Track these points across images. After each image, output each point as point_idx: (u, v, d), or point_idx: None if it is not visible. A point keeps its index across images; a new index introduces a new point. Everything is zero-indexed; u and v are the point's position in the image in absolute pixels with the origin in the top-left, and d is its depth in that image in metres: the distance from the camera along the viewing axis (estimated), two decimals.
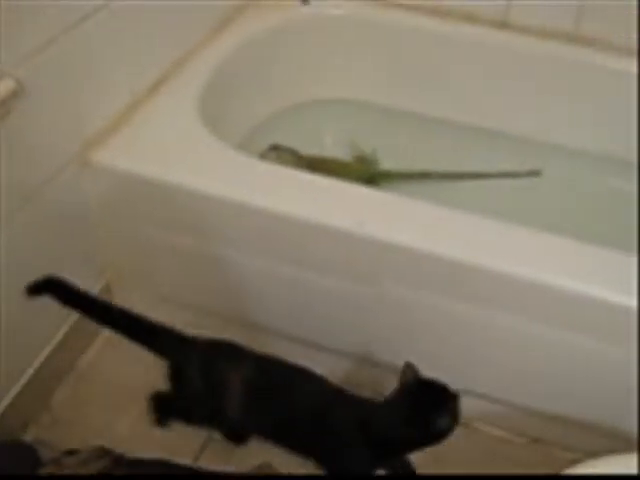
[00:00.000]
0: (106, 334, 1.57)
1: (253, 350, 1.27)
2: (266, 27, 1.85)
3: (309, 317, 1.48)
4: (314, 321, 1.49)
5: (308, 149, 1.82)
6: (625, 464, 1.01)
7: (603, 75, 1.81)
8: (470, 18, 1.85)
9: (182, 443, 1.41)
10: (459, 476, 1.37)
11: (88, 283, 1.40)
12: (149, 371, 1.30)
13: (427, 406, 1.13)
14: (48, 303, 1.26)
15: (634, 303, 1.19)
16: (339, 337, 1.49)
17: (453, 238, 1.29)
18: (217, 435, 1.42)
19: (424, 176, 1.83)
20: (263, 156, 1.74)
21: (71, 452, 1.24)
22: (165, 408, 1.33)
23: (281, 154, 1.75)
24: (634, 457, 1.01)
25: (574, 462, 1.01)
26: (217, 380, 1.24)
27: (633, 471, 1.00)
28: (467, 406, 1.17)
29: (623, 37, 1.77)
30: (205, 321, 1.55)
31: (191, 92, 1.58)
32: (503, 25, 1.84)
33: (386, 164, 1.85)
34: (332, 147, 1.88)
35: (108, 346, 1.60)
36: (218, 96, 1.67)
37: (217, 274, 1.49)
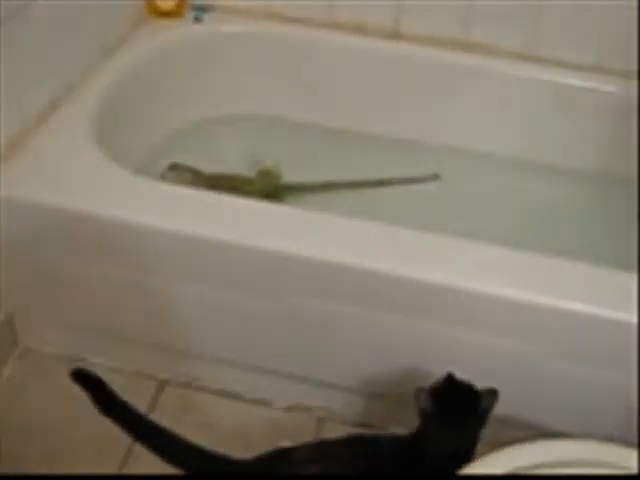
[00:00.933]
0: None
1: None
2: (160, 46, 1.83)
3: (225, 336, 1.48)
4: (231, 340, 1.48)
5: (210, 167, 1.80)
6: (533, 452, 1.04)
7: (495, 79, 1.86)
8: (362, 29, 1.89)
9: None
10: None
11: None
12: None
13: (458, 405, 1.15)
14: None
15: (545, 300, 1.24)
16: (259, 355, 1.49)
17: (358, 248, 1.30)
18: None
19: (327, 187, 1.84)
20: (163, 176, 1.72)
21: None
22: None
23: (181, 173, 1.73)
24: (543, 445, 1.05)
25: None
26: None
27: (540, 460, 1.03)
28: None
29: (511, 42, 1.84)
30: (119, 348, 1.55)
31: (85, 116, 1.55)
32: (394, 35, 1.88)
33: (291, 177, 1.85)
34: (234, 163, 1.86)
35: None
36: (114, 118, 1.64)
37: (126, 299, 1.47)
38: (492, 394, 1.15)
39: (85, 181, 1.39)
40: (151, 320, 1.48)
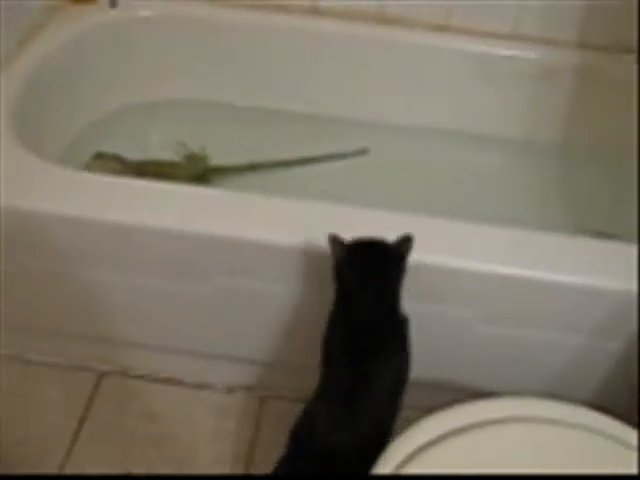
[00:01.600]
0: None
1: None
2: (77, 33, 1.78)
3: (158, 323, 1.47)
4: (163, 326, 1.47)
5: (136, 154, 1.78)
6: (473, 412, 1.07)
7: (415, 52, 1.88)
8: (281, 7, 1.88)
9: None
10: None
11: None
12: None
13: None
14: None
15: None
16: (193, 339, 1.49)
17: (286, 225, 1.30)
18: None
19: (254, 167, 1.84)
20: (88, 166, 1.69)
21: None
22: None
23: (106, 162, 1.71)
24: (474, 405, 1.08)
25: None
26: None
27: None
28: None
29: (428, 15, 1.85)
30: (56, 343, 1.54)
31: (3, 108, 1.51)
32: (313, 11, 1.88)
33: (218, 160, 1.84)
34: (160, 149, 1.84)
35: None
36: (33, 109, 1.61)
37: (57, 292, 1.44)
38: (407, 240, 1.17)
39: (5, 174, 1.34)
40: (84, 312, 1.46)
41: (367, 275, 1.17)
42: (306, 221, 1.30)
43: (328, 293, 1.21)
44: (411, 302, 1.21)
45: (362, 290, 1.17)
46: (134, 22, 1.87)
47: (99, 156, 1.72)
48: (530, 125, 1.95)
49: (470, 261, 1.28)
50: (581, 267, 1.27)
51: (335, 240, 1.17)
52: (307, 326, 1.38)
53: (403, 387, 1.18)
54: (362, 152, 1.90)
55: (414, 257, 1.18)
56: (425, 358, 1.24)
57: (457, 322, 1.35)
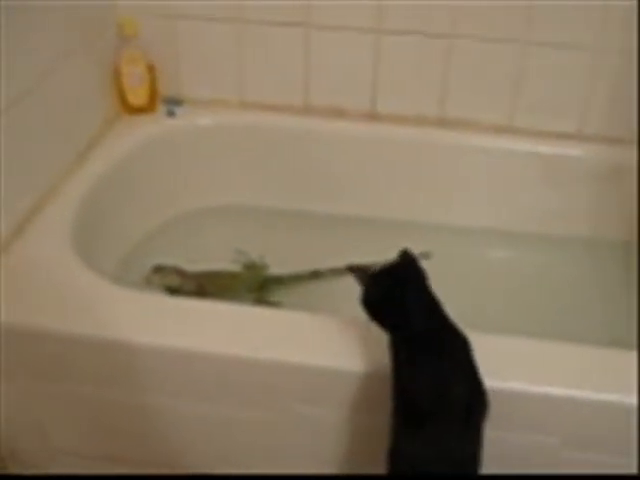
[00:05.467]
0: None
1: None
2: (134, 144, 1.79)
3: (224, 451, 1.40)
4: (225, 452, 1.41)
5: (192, 262, 1.74)
6: None
7: (471, 153, 1.85)
8: (339, 113, 1.87)
9: None
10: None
11: None
12: None
13: None
14: None
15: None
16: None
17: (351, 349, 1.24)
18: None
19: (315, 275, 1.80)
20: (148, 279, 1.66)
21: None
22: None
23: (166, 274, 1.68)
24: None
25: None
26: None
27: None
28: None
29: (490, 116, 1.84)
30: (109, 467, 1.47)
31: (62, 224, 1.49)
32: (372, 117, 1.86)
33: (277, 267, 1.80)
34: (217, 257, 1.80)
35: None
36: (92, 222, 1.59)
37: (119, 419, 1.39)
38: (405, 252, 1.18)
39: (68, 299, 1.31)
40: (149, 439, 1.40)
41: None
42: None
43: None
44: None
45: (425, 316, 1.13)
46: (191, 131, 1.88)
47: (159, 269, 1.69)
48: (595, 224, 1.90)
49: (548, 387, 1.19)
50: None
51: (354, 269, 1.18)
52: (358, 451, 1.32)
53: None
54: (425, 256, 1.84)
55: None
56: None
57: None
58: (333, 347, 1.24)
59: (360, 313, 1.30)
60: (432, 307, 1.15)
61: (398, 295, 1.13)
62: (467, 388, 1.10)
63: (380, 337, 1.17)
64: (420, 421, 1.09)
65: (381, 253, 1.82)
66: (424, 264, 1.81)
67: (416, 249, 1.81)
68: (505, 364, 1.20)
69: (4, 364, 1.33)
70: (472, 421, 1.10)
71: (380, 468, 1.15)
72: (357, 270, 1.18)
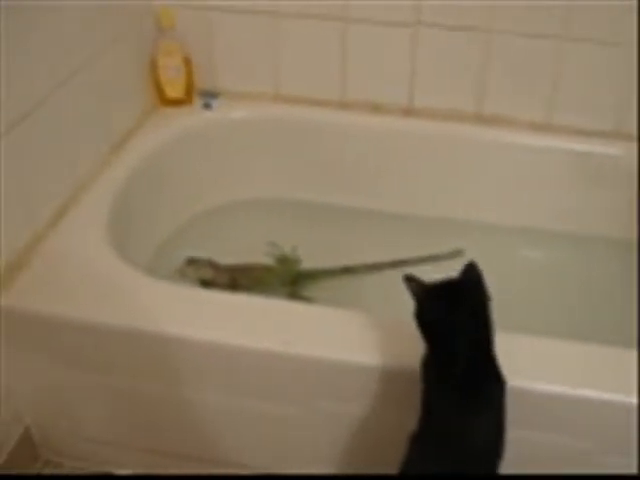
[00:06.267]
0: None
1: None
2: (171, 136, 1.81)
3: (250, 443, 1.40)
4: (262, 446, 1.41)
5: (226, 255, 1.75)
6: None
7: (507, 150, 1.83)
8: (375, 107, 1.86)
9: None
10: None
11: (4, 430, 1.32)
12: None
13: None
14: None
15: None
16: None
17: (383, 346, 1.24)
18: None
19: (346, 271, 1.79)
20: (181, 272, 1.67)
21: None
22: None
23: (199, 267, 1.69)
24: None
25: None
26: None
27: None
28: None
29: (527, 113, 1.81)
30: (141, 458, 1.49)
31: (98, 216, 1.50)
32: (408, 112, 1.85)
33: (309, 261, 1.80)
34: (250, 250, 1.80)
35: None
36: (127, 214, 1.60)
37: (150, 410, 1.40)
38: (470, 266, 1.11)
39: (103, 291, 1.32)
40: (180, 432, 1.41)
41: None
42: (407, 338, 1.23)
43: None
44: None
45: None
46: (228, 124, 1.88)
47: (192, 262, 1.70)
48: (633, 224, 1.86)
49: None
50: None
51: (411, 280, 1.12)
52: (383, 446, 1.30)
53: None
54: (457, 254, 1.83)
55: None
56: None
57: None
58: (363, 343, 1.23)
59: (390, 310, 1.30)
60: (481, 338, 1.09)
61: (449, 320, 1.08)
62: (491, 437, 1.08)
63: (411, 335, 1.17)
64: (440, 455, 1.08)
65: (413, 249, 1.83)
66: (457, 262, 1.83)
67: (449, 246, 1.84)
68: (528, 364, 1.19)
69: (36, 353, 1.35)
70: (489, 464, 1.08)
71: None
72: (413, 281, 1.12)
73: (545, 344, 1.24)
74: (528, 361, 1.20)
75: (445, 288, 1.10)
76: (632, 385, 1.16)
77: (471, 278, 1.10)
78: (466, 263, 1.11)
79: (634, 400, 1.15)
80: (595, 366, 1.21)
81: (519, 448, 1.13)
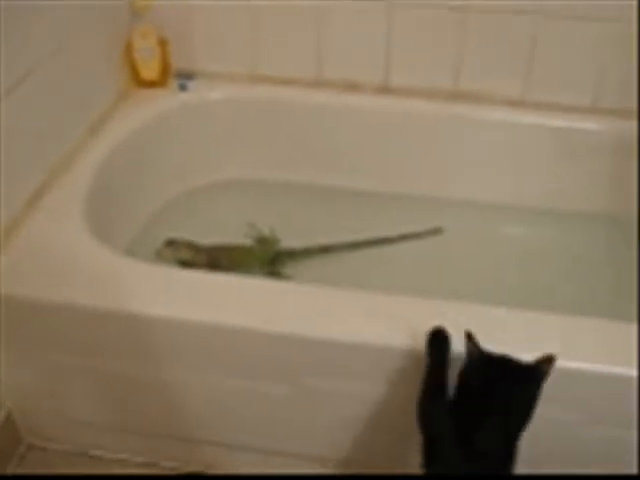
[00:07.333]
0: None
1: None
2: (146, 118, 1.79)
3: (240, 422, 1.41)
4: (245, 425, 1.41)
5: (204, 236, 1.75)
6: None
7: (485, 127, 1.84)
8: (351, 86, 1.86)
9: None
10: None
11: None
12: None
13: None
14: None
15: None
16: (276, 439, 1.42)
17: (371, 322, 1.23)
18: None
19: (325, 250, 1.80)
20: (159, 253, 1.66)
21: None
22: None
23: (178, 248, 1.68)
24: None
25: None
26: None
27: None
28: None
29: (504, 89, 1.82)
30: (125, 439, 1.49)
31: (75, 199, 1.49)
32: (384, 90, 1.85)
33: (288, 241, 1.80)
34: (229, 231, 1.81)
35: None
36: (105, 197, 1.60)
37: (132, 391, 1.40)
38: (549, 360, 1.06)
39: (82, 273, 1.32)
40: (163, 411, 1.41)
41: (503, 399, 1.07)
42: (389, 316, 1.23)
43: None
44: None
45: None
46: (202, 105, 1.87)
47: (170, 243, 1.69)
48: (609, 198, 1.88)
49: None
50: None
51: (473, 339, 1.09)
52: (387, 424, 1.32)
53: None
54: (436, 231, 1.84)
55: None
56: None
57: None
58: (344, 320, 1.24)
59: (369, 287, 1.31)
60: (510, 434, 1.09)
61: (488, 394, 1.07)
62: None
63: (389, 313, 1.18)
64: None
65: (393, 227, 1.84)
66: (436, 240, 1.83)
67: (428, 224, 1.84)
68: (514, 336, 1.20)
69: (17, 337, 1.35)
70: None
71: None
72: (473, 341, 1.09)
73: (540, 318, 1.25)
74: (523, 335, 1.21)
75: (501, 363, 1.09)
76: (632, 358, 1.17)
77: (535, 371, 1.07)
78: (546, 356, 1.07)
79: (634, 372, 1.16)
80: (595, 339, 1.22)
81: None
